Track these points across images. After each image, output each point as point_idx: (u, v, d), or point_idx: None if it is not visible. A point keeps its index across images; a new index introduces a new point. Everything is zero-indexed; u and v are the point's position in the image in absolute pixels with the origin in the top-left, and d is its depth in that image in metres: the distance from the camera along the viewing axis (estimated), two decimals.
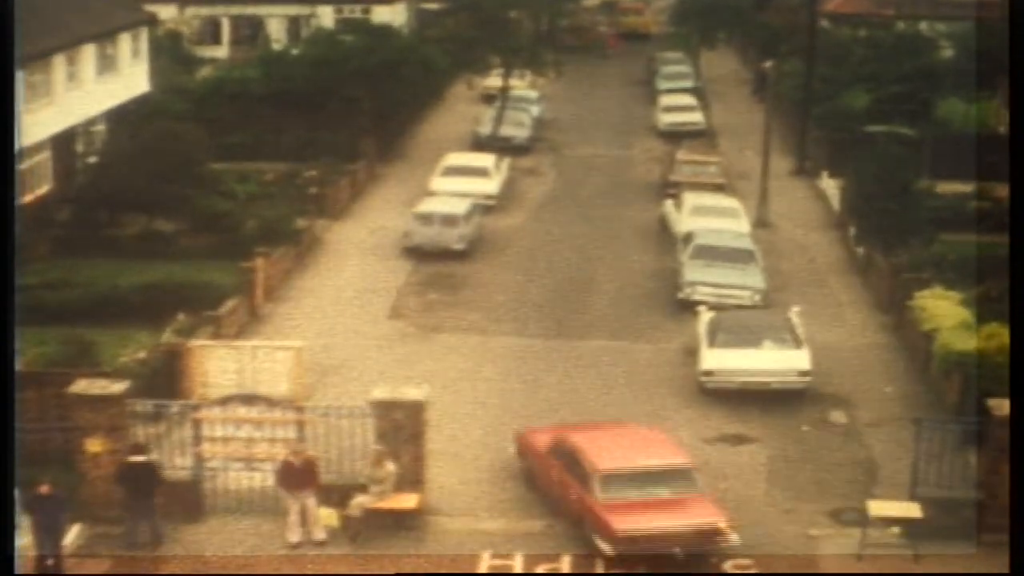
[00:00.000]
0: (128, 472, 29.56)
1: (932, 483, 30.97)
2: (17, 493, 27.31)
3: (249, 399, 31.70)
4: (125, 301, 42.76)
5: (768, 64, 62.99)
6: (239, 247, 47.33)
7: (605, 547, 28.97)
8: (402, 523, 30.30)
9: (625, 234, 55.06)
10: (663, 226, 54.95)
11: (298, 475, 29.88)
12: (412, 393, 31.19)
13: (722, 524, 29.22)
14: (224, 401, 31.73)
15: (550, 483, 31.73)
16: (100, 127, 60.73)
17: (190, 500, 30.98)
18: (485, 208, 56.29)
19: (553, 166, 67.29)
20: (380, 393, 31.03)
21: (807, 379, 38.44)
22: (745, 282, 45.63)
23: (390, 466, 30.13)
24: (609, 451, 30.90)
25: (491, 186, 59.05)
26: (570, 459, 30.86)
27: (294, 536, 29.91)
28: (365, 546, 29.80)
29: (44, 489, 28.20)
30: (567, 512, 30.74)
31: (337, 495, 30.40)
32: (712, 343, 39.46)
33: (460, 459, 34.16)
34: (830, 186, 60.00)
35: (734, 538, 29.29)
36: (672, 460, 30.68)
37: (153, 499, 29.70)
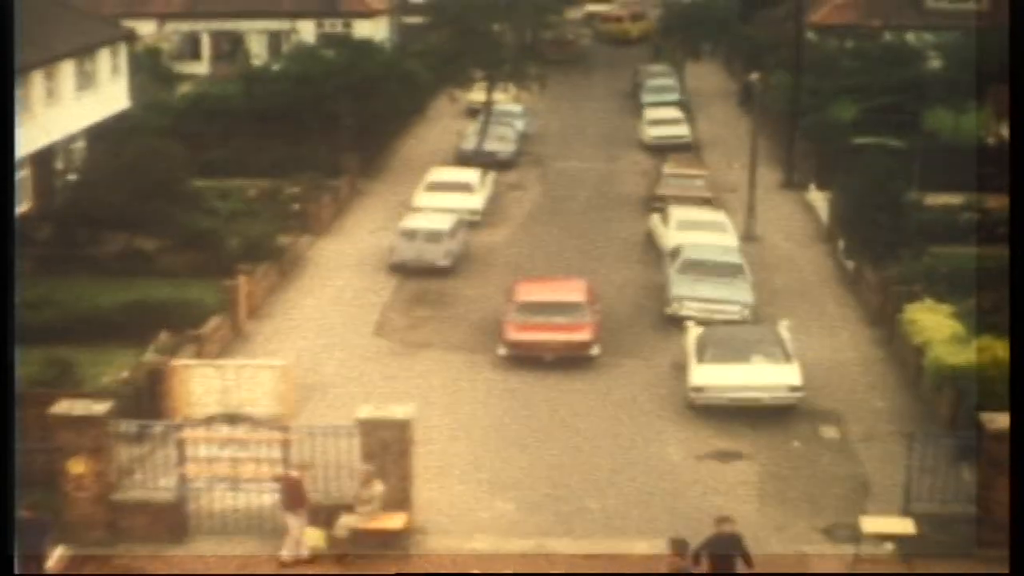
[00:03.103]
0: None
1: (926, 498, 30.98)
2: None
3: (233, 418, 31.67)
4: (107, 320, 42.68)
5: (754, 76, 63.12)
6: (221, 264, 47.34)
7: (500, 350, 42.40)
8: (390, 543, 30.24)
9: (612, 249, 55.09)
10: (650, 240, 55.01)
11: (295, 493, 29.88)
12: (399, 411, 31.14)
13: (586, 340, 42.08)
14: (208, 421, 31.68)
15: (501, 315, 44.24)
16: (80, 144, 60.69)
17: (174, 522, 30.89)
18: (470, 224, 56.30)
19: (538, 180, 67.30)
20: (366, 411, 30.98)
21: (798, 394, 38.46)
22: (733, 296, 45.66)
23: (378, 486, 30.07)
24: (530, 290, 44.81)
25: (476, 201, 59.07)
26: (511, 296, 44.52)
27: (289, 551, 29.87)
28: (352, 568, 29.74)
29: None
30: (500, 336, 42.92)
31: (324, 515, 30.33)
32: (701, 358, 39.46)
33: (448, 478, 34.14)
34: (818, 199, 60.11)
35: (595, 351, 42.02)
36: (569, 297, 43.88)
37: None
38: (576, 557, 30.44)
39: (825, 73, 74.18)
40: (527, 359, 42.17)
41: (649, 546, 30.86)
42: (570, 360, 42.37)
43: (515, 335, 42.48)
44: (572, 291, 44.87)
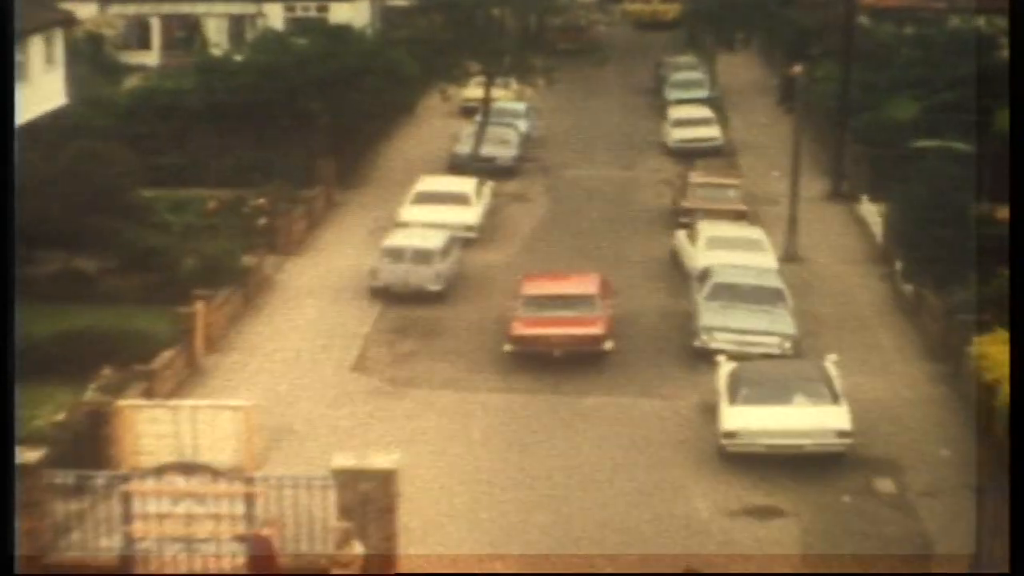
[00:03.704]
0: None
1: (998, 561, 31.09)
2: None
3: (189, 468, 31.73)
4: (41, 353, 42.61)
5: (797, 68, 63.34)
6: (175, 289, 47.45)
7: (507, 346, 45.72)
8: None
9: (630, 271, 55.24)
10: (674, 261, 55.19)
11: (268, 554, 30.01)
12: (381, 460, 31.27)
13: (598, 335, 45.21)
14: (159, 471, 31.76)
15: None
16: None
17: None
18: (465, 241, 56.48)
19: (544, 191, 67.53)
20: (344, 460, 31.10)
21: (847, 440, 38.58)
22: (772, 327, 45.80)
23: (357, 547, 30.19)
24: (538, 284, 48.51)
25: (471, 215, 59.27)
26: (518, 291, 47.86)
27: None
28: None
29: None
30: (506, 332, 46.23)
31: None
32: (734, 399, 39.56)
33: (439, 536, 34.27)
34: (871, 212, 60.28)
35: (608, 346, 45.35)
36: (578, 291, 47.33)
37: None
38: None
39: (880, 65, 74.38)
40: (532, 364, 43.51)
41: None
42: (580, 395, 42.68)
43: (522, 330, 45.65)
44: (583, 284, 48.49)
